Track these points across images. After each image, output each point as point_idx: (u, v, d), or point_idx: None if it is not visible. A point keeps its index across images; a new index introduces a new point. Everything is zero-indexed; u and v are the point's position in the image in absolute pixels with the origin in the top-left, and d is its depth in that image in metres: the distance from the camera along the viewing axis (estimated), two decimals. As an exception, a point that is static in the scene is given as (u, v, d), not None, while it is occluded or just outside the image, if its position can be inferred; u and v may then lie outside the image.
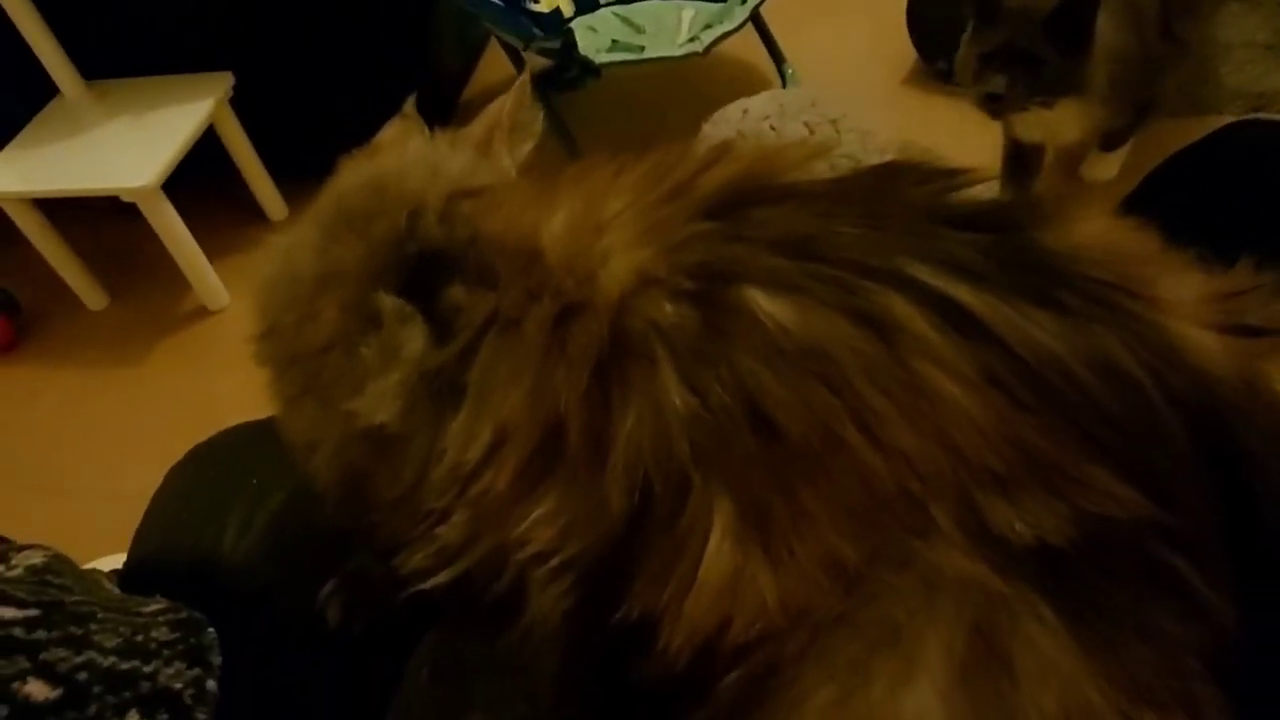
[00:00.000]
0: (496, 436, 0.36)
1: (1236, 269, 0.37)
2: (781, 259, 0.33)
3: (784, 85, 1.67)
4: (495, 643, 0.41)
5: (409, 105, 0.55)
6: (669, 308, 0.34)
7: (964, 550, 0.30)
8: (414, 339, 0.39)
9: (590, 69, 1.47)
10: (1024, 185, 1.28)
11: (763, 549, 0.32)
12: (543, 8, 1.59)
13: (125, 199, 1.31)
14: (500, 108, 0.51)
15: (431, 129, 0.53)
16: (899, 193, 0.36)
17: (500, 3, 1.47)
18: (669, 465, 0.33)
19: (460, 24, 1.64)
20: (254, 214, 1.62)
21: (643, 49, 1.56)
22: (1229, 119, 1.45)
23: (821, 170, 0.37)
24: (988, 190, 0.36)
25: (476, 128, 0.51)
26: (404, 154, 0.48)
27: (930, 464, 0.31)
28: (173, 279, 1.47)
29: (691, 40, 1.50)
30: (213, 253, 1.47)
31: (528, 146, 0.52)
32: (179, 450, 0.67)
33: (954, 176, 0.37)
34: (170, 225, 1.37)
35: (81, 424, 1.39)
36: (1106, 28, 1.00)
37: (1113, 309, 0.32)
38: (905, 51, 1.64)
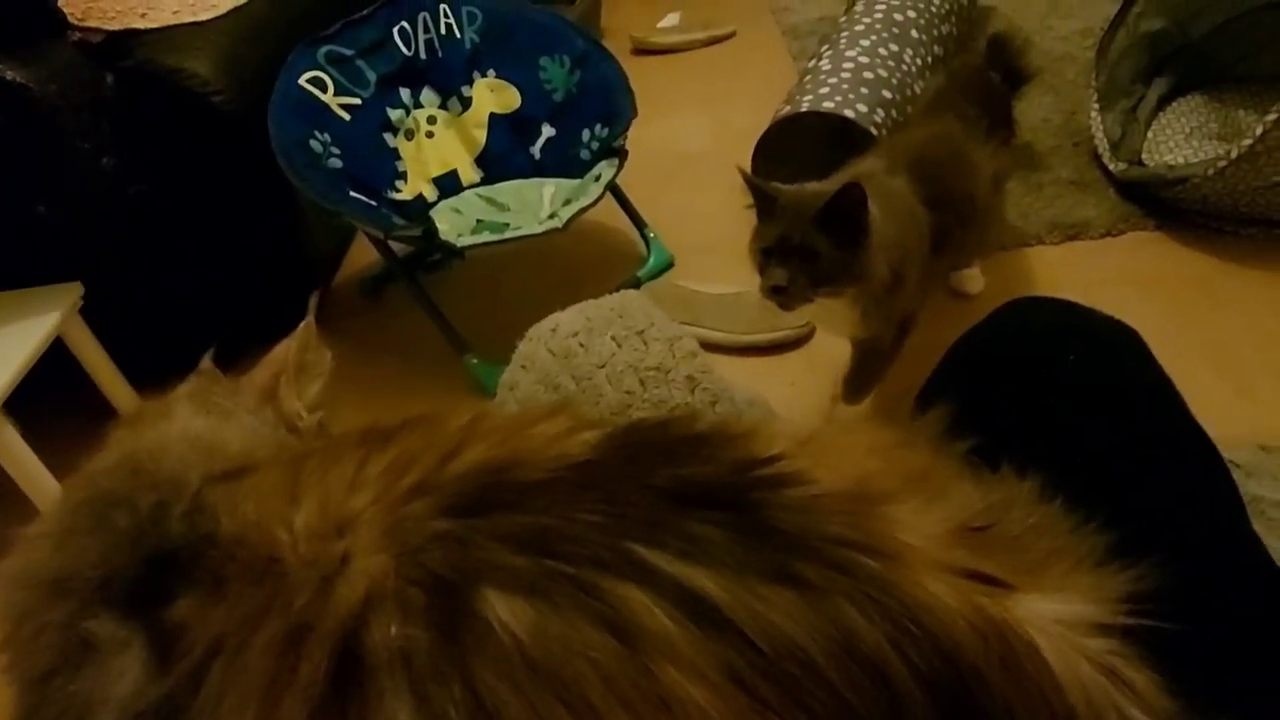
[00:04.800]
0: None
1: (998, 478, 0.38)
2: (519, 558, 0.32)
3: (647, 248, 1.74)
4: None
5: (206, 360, 0.53)
6: (395, 628, 0.32)
7: None
8: (128, 671, 0.35)
9: (454, 252, 1.50)
10: (862, 381, 1.27)
11: None
12: (405, 195, 1.63)
13: (-43, 428, 1.22)
14: (285, 351, 0.50)
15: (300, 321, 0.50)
16: (640, 473, 0.36)
17: (360, 196, 1.50)
18: None
19: (325, 213, 1.66)
20: (112, 421, 1.55)
21: (506, 226, 1.61)
22: (1050, 248, 1.61)
23: (573, 448, 0.37)
24: (746, 444, 0.37)
25: (261, 374, 0.49)
26: (169, 427, 0.45)
27: None
28: (21, 502, 1.36)
29: (552, 217, 1.56)
30: (69, 466, 1.38)
31: (316, 387, 0.51)
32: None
33: (699, 444, 0.37)
34: (11, 449, 1.28)
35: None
36: (880, 219, 1.04)
37: (852, 574, 0.32)
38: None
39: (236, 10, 1.56)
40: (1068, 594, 0.35)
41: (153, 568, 0.37)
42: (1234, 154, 1.37)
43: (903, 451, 0.38)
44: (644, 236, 1.76)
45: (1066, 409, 0.51)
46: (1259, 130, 1.33)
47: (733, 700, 0.29)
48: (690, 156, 2.12)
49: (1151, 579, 0.35)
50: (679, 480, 0.35)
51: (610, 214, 1.76)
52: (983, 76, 1.48)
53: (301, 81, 1.52)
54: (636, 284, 1.67)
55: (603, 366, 0.59)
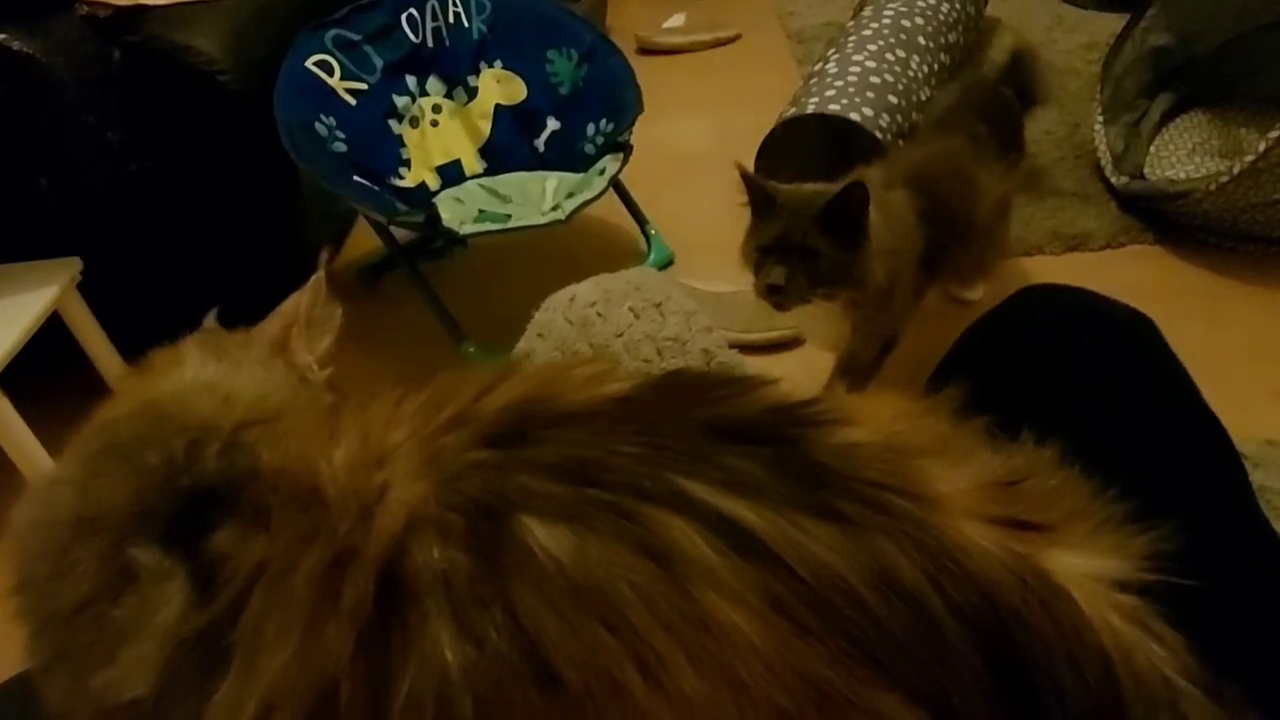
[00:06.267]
0: (262, 708, 0.32)
1: (1019, 445, 0.38)
2: (558, 486, 0.32)
3: (648, 245, 1.74)
4: None
5: (210, 318, 0.53)
6: (438, 551, 0.32)
7: None
8: (172, 600, 0.35)
9: (456, 239, 1.49)
10: (856, 376, 1.24)
11: None
12: (408, 183, 1.63)
13: (-50, 398, 1.21)
14: (296, 304, 0.50)
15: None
16: (679, 409, 0.36)
17: (363, 181, 1.49)
18: None
19: (326, 198, 1.66)
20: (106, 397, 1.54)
21: (509, 217, 1.61)
22: (1050, 258, 1.61)
23: (610, 388, 0.37)
24: (783, 390, 0.37)
25: (272, 325, 0.50)
26: (184, 374, 0.45)
27: (715, 708, 0.29)
28: (12, 475, 1.35)
29: (555, 209, 1.56)
30: (62, 441, 1.37)
31: (327, 341, 0.51)
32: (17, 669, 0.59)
33: (738, 387, 0.37)
34: (4, 422, 1.27)
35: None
36: (879, 226, 1.03)
37: (890, 514, 0.32)
38: (758, 209, 1.75)
39: (246, -9, 1.55)
40: (1092, 551, 0.35)
41: (191, 502, 0.37)
42: (1236, 170, 1.38)
43: (927, 419, 0.39)
44: (645, 233, 1.76)
45: (1082, 389, 0.52)
46: (1261, 147, 1.34)
47: (774, 625, 0.30)
48: (692, 157, 2.13)
49: (1171, 541, 0.35)
50: (718, 416, 0.35)
51: (612, 210, 1.76)
52: (996, 95, 1.46)
53: (308, 64, 1.52)
54: (637, 279, 1.67)
55: (620, 335, 0.59)
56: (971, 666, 0.31)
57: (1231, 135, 1.73)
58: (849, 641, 0.30)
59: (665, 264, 1.73)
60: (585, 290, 0.64)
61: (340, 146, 1.52)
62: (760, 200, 1.05)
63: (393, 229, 1.51)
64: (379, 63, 1.63)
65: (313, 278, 0.52)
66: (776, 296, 1.03)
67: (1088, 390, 0.51)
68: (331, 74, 1.55)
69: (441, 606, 0.31)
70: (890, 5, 1.92)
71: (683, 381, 0.39)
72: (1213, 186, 1.43)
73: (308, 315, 0.50)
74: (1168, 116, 1.80)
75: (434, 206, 1.43)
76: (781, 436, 0.34)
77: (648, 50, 2.62)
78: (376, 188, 1.53)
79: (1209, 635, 0.35)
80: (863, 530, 0.31)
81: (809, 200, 1.00)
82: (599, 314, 0.60)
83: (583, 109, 1.68)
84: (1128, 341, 0.54)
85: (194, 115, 1.46)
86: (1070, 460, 0.39)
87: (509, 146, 1.74)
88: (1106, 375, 0.52)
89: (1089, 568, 0.34)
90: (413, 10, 1.67)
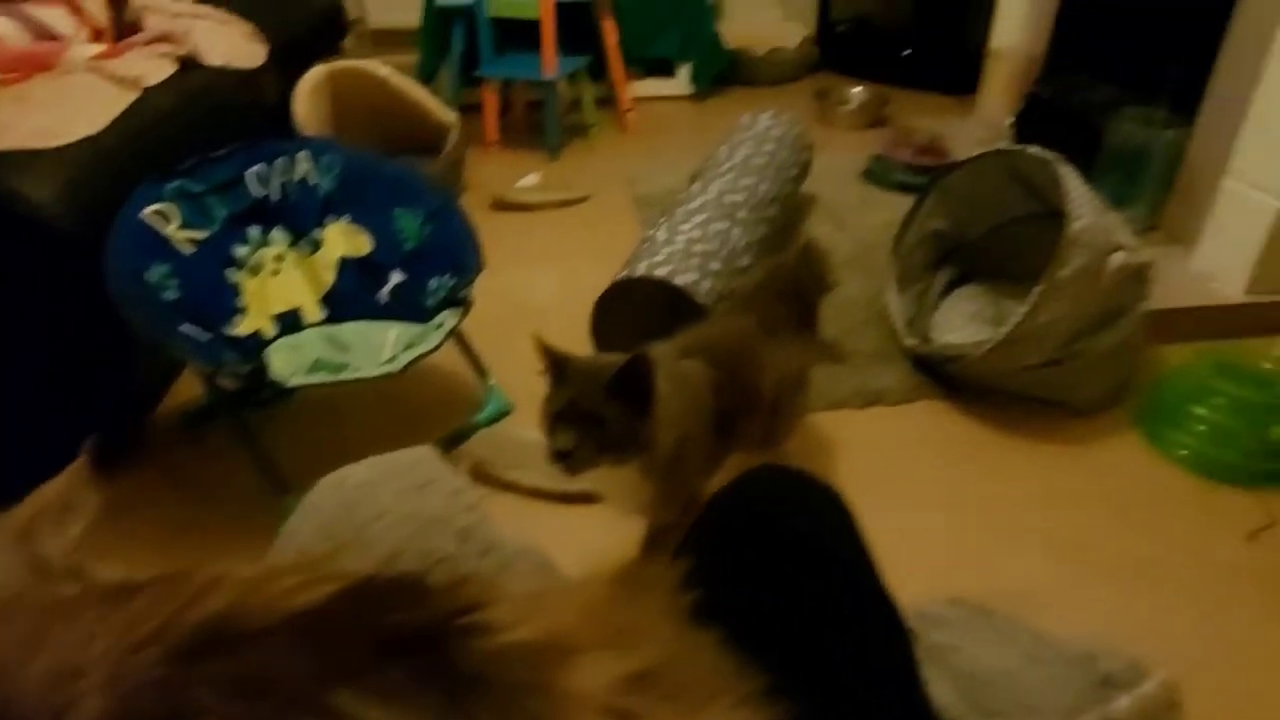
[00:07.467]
0: None
1: (682, 628, 0.44)
2: (226, 701, 0.35)
3: (487, 397, 1.79)
4: None
5: None
6: None
7: None
8: None
9: (283, 391, 1.50)
10: (657, 545, 1.30)
11: None
12: (242, 331, 1.64)
13: None
14: (50, 489, 0.51)
15: (117, 452, 0.50)
16: (361, 620, 0.40)
17: (191, 330, 1.50)
18: None
19: (154, 345, 1.63)
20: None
21: (345, 367, 1.63)
22: (854, 411, 1.78)
23: (306, 598, 0.41)
24: (463, 595, 0.42)
25: (22, 512, 0.50)
26: None
27: None
28: None
29: (390, 360, 1.60)
30: None
31: (77, 529, 0.52)
32: None
33: (417, 596, 0.42)
34: None
35: None
36: (667, 395, 1.10)
37: (519, 714, 0.37)
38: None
39: (90, 139, 1.57)
40: None
41: None
42: (997, 339, 1.60)
43: (609, 608, 0.44)
44: (485, 384, 1.82)
45: (769, 567, 0.59)
46: (1013, 321, 1.56)
47: None
48: (540, 307, 2.24)
49: (812, 714, 0.41)
50: (389, 629, 0.39)
51: (455, 359, 1.81)
52: (795, 279, 1.59)
53: (144, 214, 1.53)
54: (474, 429, 1.72)
55: (382, 517, 0.63)
56: None
57: (1001, 306, 1.99)
58: None
59: (501, 415, 1.78)
60: (359, 471, 0.68)
61: (172, 294, 1.52)
62: (554, 367, 1.11)
63: (222, 378, 1.51)
64: (222, 213, 1.66)
65: (73, 463, 0.53)
66: (565, 461, 1.07)
67: (772, 568, 0.59)
68: (169, 223, 1.57)
69: None
70: (716, 181, 2.14)
71: (372, 592, 0.43)
72: (980, 352, 1.63)
73: (61, 501, 0.51)
74: (950, 287, 2.06)
75: (261, 359, 1.44)
76: (435, 647, 0.39)
77: (503, 206, 2.76)
78: (206, 336, 1.53)
79: None
80: None
81: (599, 370, 1.07)
82: (366, 495, 0.64)
83: (426, 264, 1.75)
84: (816, 524, 0.62)
85: (23, 260, 1.44)
86: (732, 638, 0.45)
87: (352, 296, 1.78)
88: (786, 553, 0.60)
89: None
90: (262, 165, 1.73)
